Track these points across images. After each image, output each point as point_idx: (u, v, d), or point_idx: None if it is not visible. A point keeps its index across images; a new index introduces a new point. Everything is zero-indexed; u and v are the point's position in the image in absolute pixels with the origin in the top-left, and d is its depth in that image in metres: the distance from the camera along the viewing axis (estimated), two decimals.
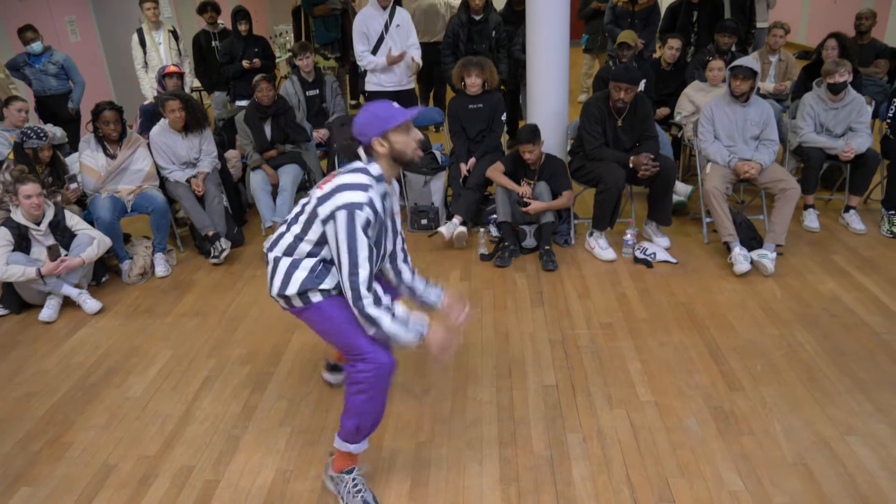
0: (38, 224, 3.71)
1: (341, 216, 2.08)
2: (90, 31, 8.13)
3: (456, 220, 4.25)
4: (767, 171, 3.95)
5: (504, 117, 4.52)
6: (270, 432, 2.68)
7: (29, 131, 3.92)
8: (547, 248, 4.02)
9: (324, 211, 2.13)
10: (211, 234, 4.28)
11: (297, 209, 2.29)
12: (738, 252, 3.78)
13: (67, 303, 3.81)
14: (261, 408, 2.84)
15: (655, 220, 4.18)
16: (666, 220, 4.13)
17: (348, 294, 2.12)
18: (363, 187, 2.12)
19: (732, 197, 4.90)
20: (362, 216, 2.08)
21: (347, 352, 2.21)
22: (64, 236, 3.78)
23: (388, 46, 4.97)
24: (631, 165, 3.94)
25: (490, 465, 2.44)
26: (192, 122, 4.35)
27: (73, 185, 4.12)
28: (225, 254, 4.24)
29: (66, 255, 3.73)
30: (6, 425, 2.83)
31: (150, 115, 4.96)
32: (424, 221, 4.61)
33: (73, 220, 3.85)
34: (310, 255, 2.22)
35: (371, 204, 2.11)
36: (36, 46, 5.54)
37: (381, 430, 2.65)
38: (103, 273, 4.12)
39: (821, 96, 4.29)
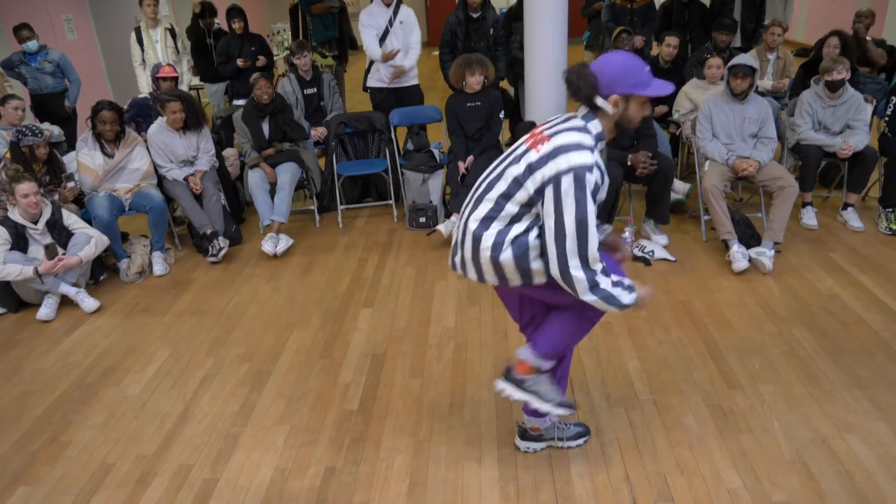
0: (36, 223, 3.70)
1: (567, 181, 1.82)
2: (87, 29, 8.11)
3: (454, 218, 4.24)
4: (765, 168, 3.95)
5: (502, 115, 4.52)
6: (269, 431, 2.68)
7: (25, 129, 3.92)
8: None
9: (542, 176, 1.87)
10: (209, 232, 4.27)
11: (489, 178, 2.01)
12: (737, 250, 3.78)
13: (65, 301, 3.81)
14: (259, 406, 2.84)
15: (654, 217, 4.18)
16: (664, 217, 4.13)
17: (573, 272, 1.85)
18: (588, 148, 1.88)
19: (731, 194, 4.90)
20: (591, 179, 1.84)
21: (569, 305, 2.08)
22: (61, 235, 3.77)
23: (391, 42, 5.03)
24: (629, 163, 3.94)
25: (489, 464, 2.44)
26: (191, 120, 4.35)
27: (71, 184, 4.11)
28: (223, 252, 4.23)
29: (64, 254, 3.72)
30: (4, 425, 2.82)
31: (140, 108, 4.94)
32: (423, 220, 4.60)
33: (71, 218, 3.84)
34: (514, 220, 1.96)
35: (598, 166, 1.89)
36: (31, 45, 5.51)
37: (379, 428, 2.66)
38: (101, 272, 4.12)
39: (819, 94, 4.29)
